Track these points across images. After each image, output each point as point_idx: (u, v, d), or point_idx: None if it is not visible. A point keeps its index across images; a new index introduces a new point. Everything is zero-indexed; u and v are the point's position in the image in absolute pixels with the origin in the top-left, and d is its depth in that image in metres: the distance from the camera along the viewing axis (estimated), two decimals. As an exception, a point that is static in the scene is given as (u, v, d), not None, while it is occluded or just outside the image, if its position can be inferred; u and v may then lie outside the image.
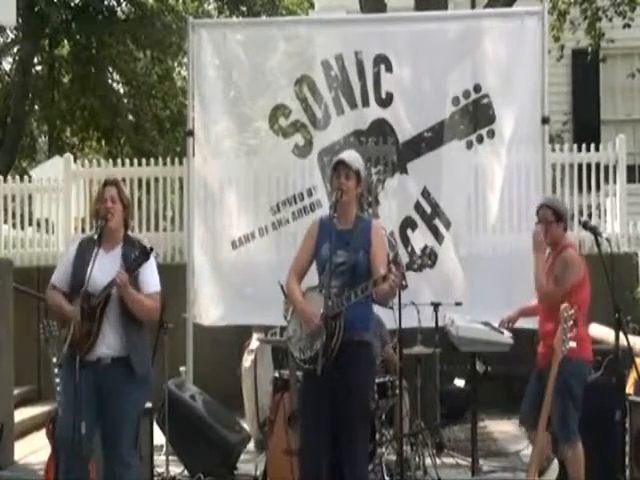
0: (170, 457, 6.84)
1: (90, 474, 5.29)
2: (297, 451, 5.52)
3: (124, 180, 10.36)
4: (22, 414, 8.78)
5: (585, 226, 6.29)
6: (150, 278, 5.10)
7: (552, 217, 5.78)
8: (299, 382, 5.82)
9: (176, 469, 7.02)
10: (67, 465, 4.95)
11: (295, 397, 6.06)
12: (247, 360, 8.18)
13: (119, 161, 11.66)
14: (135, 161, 11.40)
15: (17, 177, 12.06)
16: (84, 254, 5.07)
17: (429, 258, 4.93)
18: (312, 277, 5.30)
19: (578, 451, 5.62)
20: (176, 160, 11.24)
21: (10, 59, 20.43)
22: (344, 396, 4.99)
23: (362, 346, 5.07)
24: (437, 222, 7.81)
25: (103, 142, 21.21)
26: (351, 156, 5.34)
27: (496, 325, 6.64)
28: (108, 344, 4.98)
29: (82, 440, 4.77)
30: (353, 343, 4.99)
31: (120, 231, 5.17)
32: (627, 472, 6.15)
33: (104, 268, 4.93)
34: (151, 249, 4.98)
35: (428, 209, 7.82)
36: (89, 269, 4.90)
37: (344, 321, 4.95)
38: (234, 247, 8.00)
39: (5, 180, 11.70)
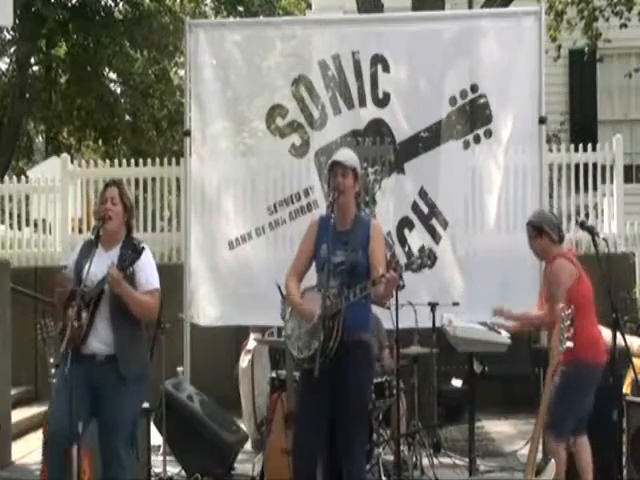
0: (167, 457, 6.83)
1: (87, 473, 5.29)
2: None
3: (121, 180, 10.37)
4: (19, 414, 8.75)
5: (582, 226, 6.30)
6: (148, 276, 5.10)
7: (532, 232, 5.92)
8: (296, 382, 5.82)
9: (173, 469, 7.02)
10: (53, 458, 4.96)
11: (293, 396, 6.05)
12: (244, 360, 8.18)
13: (116, 161, 11.66)
14: (132, 161, 11.41)
15: (14, 177, 12.07)
16: (85, 254, 5.12)
17: (428, 258, 4.94)
18: (311, 278, 5.30)
19: (560, 451, 5.61)
20: (173, 160, 11.25)
21: (7, 59, 20.42)
22: (342, 396, 4.99)
23: (360, 346, 5.07)
24: (434, 222, 7.80)
25: (100, 142, 21.23)
26: (346, 155, 5.35)
27: (494, 318, 6.60)
28: (101, 339, 5.00)
29: (73, 437, 4.78)
30: (351, 343, 4.99)
31: (120, 233, 5.17)
32: (624, 472, 6.15)
33: (101, 267, 4.95)
34: (142, 248, 4.99)
35: (425, 209, 7.80)
36: (86, 267, 4.95)
37: (343, 321, 4.95)
38: (231, 247, 7.98)
39: (2, 180, 11.73)
